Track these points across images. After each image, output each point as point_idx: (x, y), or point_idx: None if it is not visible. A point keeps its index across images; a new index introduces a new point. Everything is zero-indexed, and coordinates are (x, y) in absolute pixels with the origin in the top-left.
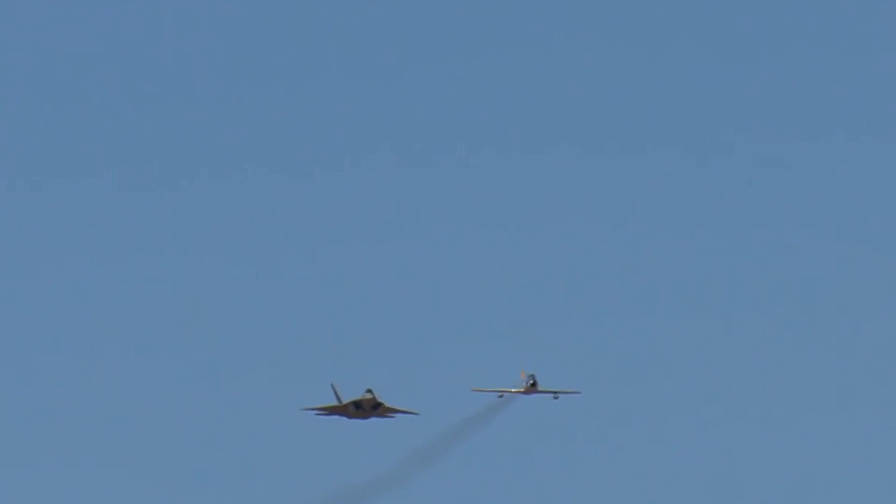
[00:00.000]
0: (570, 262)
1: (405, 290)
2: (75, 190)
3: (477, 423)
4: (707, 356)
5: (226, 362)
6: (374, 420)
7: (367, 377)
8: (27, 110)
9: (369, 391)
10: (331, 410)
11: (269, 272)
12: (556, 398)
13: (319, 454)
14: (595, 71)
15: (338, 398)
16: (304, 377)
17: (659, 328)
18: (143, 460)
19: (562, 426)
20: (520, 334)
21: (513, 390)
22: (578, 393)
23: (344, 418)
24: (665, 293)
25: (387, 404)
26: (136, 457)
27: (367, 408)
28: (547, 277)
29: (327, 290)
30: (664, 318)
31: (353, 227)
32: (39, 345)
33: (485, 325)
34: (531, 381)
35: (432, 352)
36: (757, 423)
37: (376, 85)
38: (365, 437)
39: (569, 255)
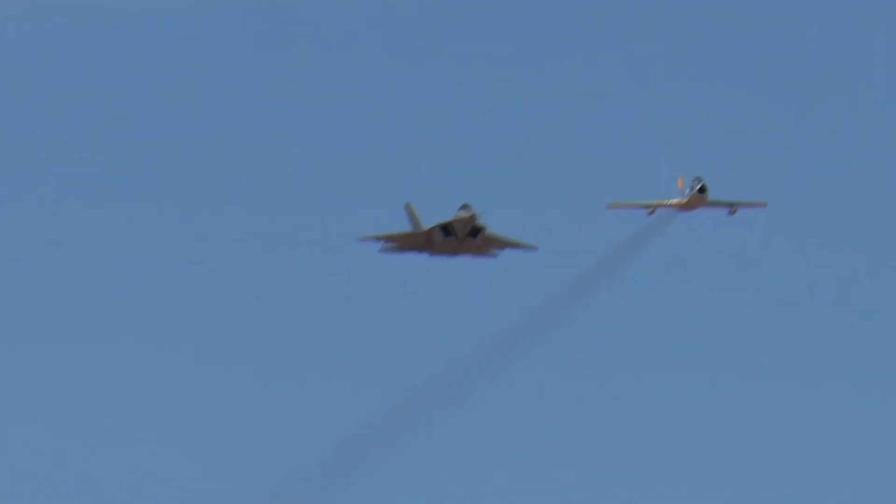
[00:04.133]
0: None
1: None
2: None
3: (622, 254)
4: None
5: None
6: (467, 259)
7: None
8: None
9: (465, 206)
10: (404, 241)
11: None
12: (733, 213)
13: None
14: None
15: (415, 222)
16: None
17: None
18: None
19: (742, 248)
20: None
21: (669, 202)
22: (764, 205)
23: (425, 255)
24: None
25: (491, 232)
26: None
27: (460, 235)
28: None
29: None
30: None
31: None
32: None
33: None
34: (698, 186)
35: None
36: None
37: None
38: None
39: None
